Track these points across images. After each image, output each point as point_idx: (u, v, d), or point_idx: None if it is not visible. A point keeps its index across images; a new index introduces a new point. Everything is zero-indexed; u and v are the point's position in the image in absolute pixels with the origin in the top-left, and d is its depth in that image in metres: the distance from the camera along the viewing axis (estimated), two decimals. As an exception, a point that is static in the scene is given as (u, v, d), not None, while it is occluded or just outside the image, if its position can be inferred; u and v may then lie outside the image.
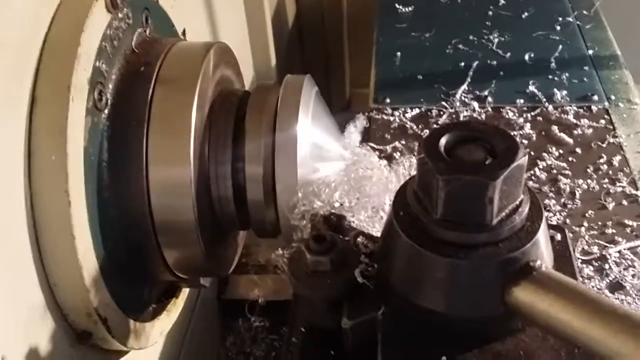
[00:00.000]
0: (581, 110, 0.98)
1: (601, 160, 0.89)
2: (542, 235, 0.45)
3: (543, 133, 0.94)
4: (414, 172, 0.46)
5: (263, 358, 0.95)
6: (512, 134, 0.44)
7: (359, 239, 0.50)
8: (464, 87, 1.03)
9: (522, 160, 0.42)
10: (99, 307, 0.53)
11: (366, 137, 0.91)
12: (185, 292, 0.72)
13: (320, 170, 0.61)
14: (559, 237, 0.50)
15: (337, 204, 0.54)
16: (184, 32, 0.72)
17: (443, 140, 0.44)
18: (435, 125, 0.96)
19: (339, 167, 0.62)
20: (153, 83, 0.57)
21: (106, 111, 0.54)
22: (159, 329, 0.65)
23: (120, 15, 0.56)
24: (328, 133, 0.64)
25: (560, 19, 1.22)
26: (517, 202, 0.44)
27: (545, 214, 0.45)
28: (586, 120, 0.96)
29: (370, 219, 0.54)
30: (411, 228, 0.44)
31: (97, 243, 0.52)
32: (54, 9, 0.51)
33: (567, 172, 0.87)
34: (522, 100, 1.00)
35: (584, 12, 1.24)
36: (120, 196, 0.55)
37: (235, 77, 0.68)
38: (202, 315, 0.90)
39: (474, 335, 0.45)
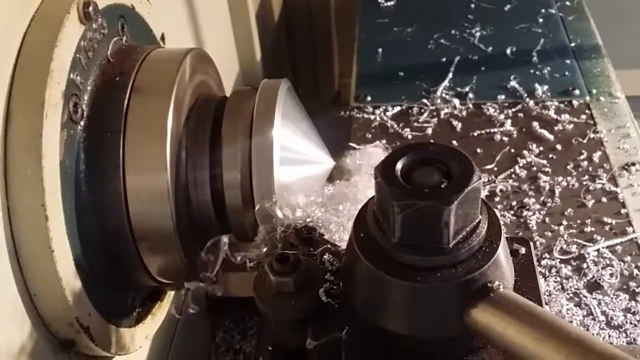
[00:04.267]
0: (562, 105, 0.99)
1: (581, 157, 0.90)
2: (502, 255, 0.45)
3: (524, 130, 0.95)
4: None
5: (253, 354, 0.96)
6: (468, 156, 0.44)
7: (325, 256, 0.50)
8: (445, 83, 1.04)
9: (477, 183, 0.42)
10: (80, 317, 0.53)
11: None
12: (170, 294, 0.73)
13: (298, 174, 0.61)
14: (523, 250, 0.51)
15: (309, 218, 0.54)
16: (162, 37, 0.72)
17: (399, 164, 0.44)
18: (416, 124, 0.97)
19: (317, 172, 0.63)
20: (129, 92, 0.57)
21: (82, 123, 0.54)
22: (144, 333, 0.66)
23: (94, 25, 0.56)
24: (306, 137, 0.64)
25: (543, 10, 1.22)
26: (475, 223, 0.44)
27: (505, 231, 0.46)
28: (567, 116, 0.97)
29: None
30: (371, 250, 0.45)
31: (76, 254, 0.53)
32: (27, 24, 0.51)
33: (547, 169, 0.89)
34: (503, 96, 1.01)
35: (567, 3, 1.25)
36: (99, 206, 0.56)
37: (213, 83, 0.68)
38: (190, 314, 0.91)
39: (436, 355, 0.46)
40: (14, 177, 0.48)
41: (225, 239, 0.69)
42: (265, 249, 0.55)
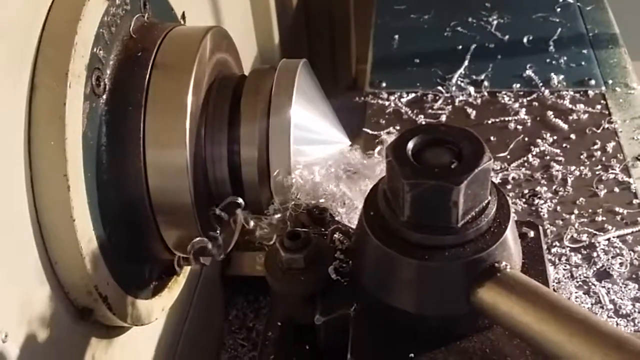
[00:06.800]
0: (577, 95, 0.99)
1: (595, 147, 0.90)
2: (510, 237, 0.46)
3: (538, 119, 0.95)
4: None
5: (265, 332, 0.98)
6: (479, 137, 0.44)
7: (336, 235, 0.51)
8: (461, 71, 1.04)
9: (487, 164, 0.43)
10: (99, 286, 0.55)
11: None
12: (187, 269, 0.74)
13: (314, 154, 0.62)
14: (532, 234, 0.51)
15: (322, 200, 0.55)
16: (183, 16, 0.73)
17: (411, 144, 0.45)
18: (430, 111, 0.98)
19: (333, 151, 0.64)
20: (150, 68, 0.58)
21: (104, 96, 0.55)
22: (160, 306, 0.67)
23: (117, 1, 0.57)
24: (322, 116, 0.65)
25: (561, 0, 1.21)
26: (484, 204, 0.45)
27: (514, 215, 0.46)
28: (582, 106, 0.97)
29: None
30: (380, 228, 0.46)
31: (96, 224, 0.54)
32: (52, -2, 0.52)
33: (560, 158, 0.89)
34: (518, 85, 1.01)
35: (586, -8, 1.24)
36: (119, 178, 0.57)
37: (232, 61, 0.69)
38: (205, 291, 0.92)
39: (442, 333, 0.46)
40: (37, 147, 0.50)
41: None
42: (277, 216, 0.56)
